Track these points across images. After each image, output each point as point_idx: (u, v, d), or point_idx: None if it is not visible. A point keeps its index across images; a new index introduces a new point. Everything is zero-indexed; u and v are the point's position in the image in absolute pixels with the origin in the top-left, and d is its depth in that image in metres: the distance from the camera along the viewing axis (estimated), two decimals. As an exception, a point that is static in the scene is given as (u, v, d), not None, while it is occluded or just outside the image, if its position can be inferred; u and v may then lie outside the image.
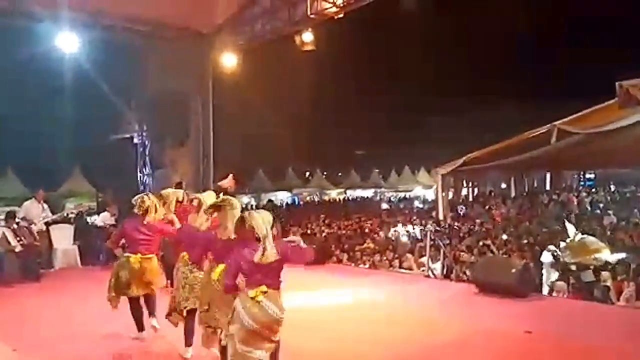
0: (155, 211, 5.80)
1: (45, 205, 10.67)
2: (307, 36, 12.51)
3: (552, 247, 8.97)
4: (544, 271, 8.89)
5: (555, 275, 8.60)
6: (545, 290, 8.47)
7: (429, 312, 6.99)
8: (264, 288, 3.93)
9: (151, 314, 5.81)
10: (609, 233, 11.69)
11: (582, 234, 9.15)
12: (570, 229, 9.10)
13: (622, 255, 8.31)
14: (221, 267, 4.50)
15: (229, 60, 14.06)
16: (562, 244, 8.83)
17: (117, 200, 12.13)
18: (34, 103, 20.66)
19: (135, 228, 5.78)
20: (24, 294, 8.47)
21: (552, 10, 28.87)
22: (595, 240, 8.82)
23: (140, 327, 5.84)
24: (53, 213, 10.94)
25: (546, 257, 8.95)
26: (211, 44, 14.57)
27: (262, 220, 4.03)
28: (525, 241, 11.22)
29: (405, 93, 34.16)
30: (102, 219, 11.23)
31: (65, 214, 11.96)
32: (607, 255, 8.28)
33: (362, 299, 7.81)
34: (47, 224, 10.65)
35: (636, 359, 5.17)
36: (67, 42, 12.19)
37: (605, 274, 7.89)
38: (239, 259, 4.04)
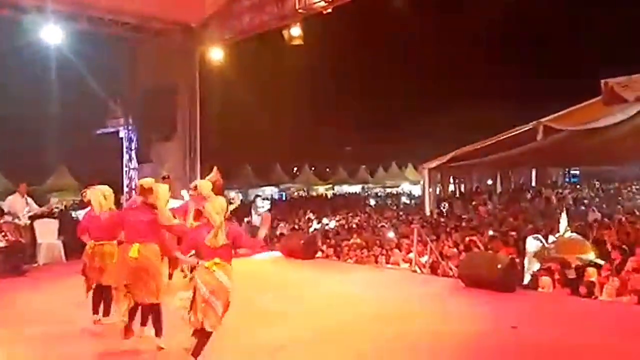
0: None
1: (30, 200, 10.54)
2: (295, 31, 12.45)
3: (538, 236, 9.03)
4: (526, 260, 8.96)
5: (537, 265, 8.67)
6: (527, 279, 8.53)
7: (415, 307, 7.01)
8: (217, 260, 4.62)
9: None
10: (593, 229, 11.81)
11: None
12: (563, 222, 9.17)
13: (601, 262, 8.39)
14: (136, 246, 5.24)
15: (216, 55, 13.96)
16: (551, 237, 8.91)
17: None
18: (19, 97, 20.37)
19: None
20: (7, 289, 8.35)
21: (536, 9, 29.09)
22: (583, 240, 8.91)
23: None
24: (39, 207, 10.80)
25: (530, 246, 9.01)
26: (198, 38, 14.45)
27: (214, 210, 4.66)
28: (511, 236, 11.31)
29: (392, 90, 34.26)
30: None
31: (49, 208, 11.79)
32: (591, 256, 8.38)
33: (348, 294, 7.82)
34: (32, 218, 10.51)
35: (620, 353, 5.22)
36: (52, 35, 12.02)
37: (590, 270, 7.98)
38: (196, 238, 4.77)
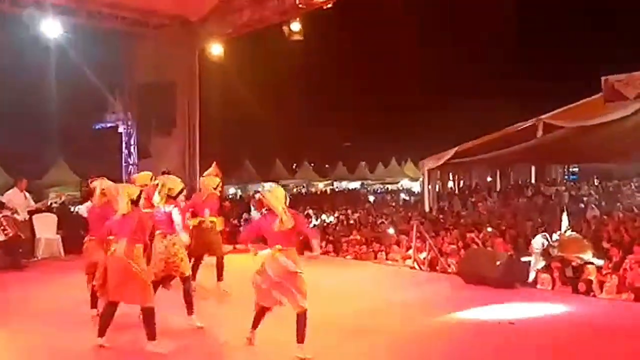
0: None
1: (28, 194, 10.52)
2: (295, 26, 12.44)
3: (545, 234, 9.06)
4: (532, 258, 8.99)
5: (542, 263, 8.69)
6: (532, 276, 8.54)
7: (413, 304, 7.02)
8: (279, 247, 4.94)
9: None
10: (592, 227, 11.82)
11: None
12: (565, 222, 9.20)
13: (600, 262, 8.40)
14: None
15: (216, 49, 13.94)
16: (555, 236, 8.94)
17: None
18: (18, 91, 20.30)
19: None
20: (6, 283, 8.35)
21: (536, 6, 29.05)
22: (582, 240, 8.95)
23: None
24: (37, 202, 10.78)
25: (537, 244, 9.03)
26: (198, 33, 14.42)
27: (274, 198, 5.00)
28: (510, 233, 11.32)
29: (393, 86, 34.16)
30: (87, 209, 11.05)
31: (48, 203, 11.78)
32: (589, 256, 8.40)
33: (347, 290, 7.82)
34: (30, 213, 10.50)
35: (618, 351, 5.23)
36: (51, 29, 11.98)
37: (589, 267, 7.98)
38: (259, 225, 5.25)
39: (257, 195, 5.45)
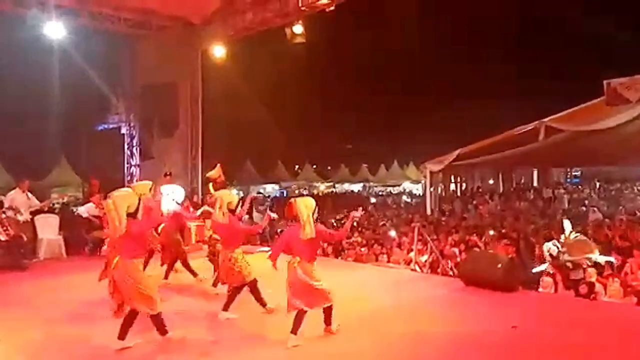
0: None
1: (31, 195, 10.54)
2: (298, 28, 12.44)
3: (555, 242, 9.03)
4: (545, 265, 8.96)
5: (544, 265, 8.65)
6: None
7: (414, 306, 7.01)
8: (298, 259, 5.33)
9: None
10: (594, 230, 11.79)
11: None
12: (567, 226, 9.16)
13: (611, 258, 8.38)
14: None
15: (218, 51, 13.96)
16: (560, 240, 8.90)
17: (103, 190, 11.97)
18: (21, 92, 20.35)
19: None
20: (8, 283, 8.37)
21: (540, 9, 29.05)
22: (587, 240, 8.91)
23: None
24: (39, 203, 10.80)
25: (548, 251, 8.99)
26: (200, 34, 14.45)
27: (304, 206, 5.35)
28: (511, 236, 11.28)
29: (395, 89, 34.21)
30: (87, 210, 11.07)
31: (50, 204, 11.80)
32: (597, 255, 8.37)
33: (348, 292, 7.79)
34: (32, 213, 10.52)
35: (620, 354, 5.22)
36: (54, 30, 12.02)
37: (590, 270, 7.96)
38: (288, 236, 5.56)
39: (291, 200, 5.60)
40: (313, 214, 5.37)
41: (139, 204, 5.30)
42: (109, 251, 6.09)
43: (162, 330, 5.38)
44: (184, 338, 5.60)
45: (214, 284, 7.42)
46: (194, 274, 8.28)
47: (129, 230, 5.11)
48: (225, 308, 6.26)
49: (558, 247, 8.80)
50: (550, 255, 8.73)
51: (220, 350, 5.38)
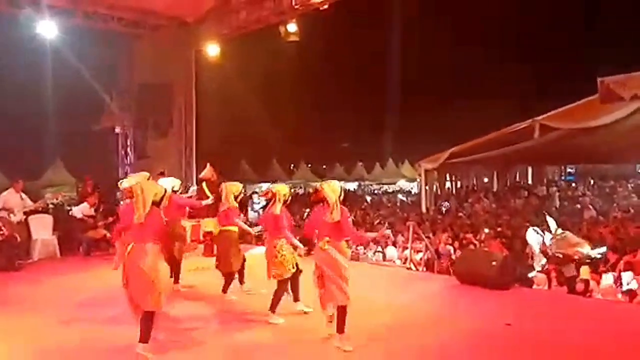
0: None
1: (24, 195, 10.50)
2: (292, 27, 12.43)
3: (537, 229, 9.08)
4: (535, 255, 9.01)
5: (544, 260, 8.70)
6: (533, 274, 8.55)
7: (409, 304, 7.02)
8: (327, 239, 5.39)
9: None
10: (588, 227, 11.84)
11: (563, 229, 9.29)
12: (552, 223, 9.20)
13: (602, 249, 8.43)
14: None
15: (212, 50, 13.93)
16: (548, 235, 8.96)
17: (97, 190, 11.94)
18: (15, 91, 20.26)
19: None
20: (2, 284, 8.33)
21: (535, 8, 29.11)
22: (574, 236, 8.97)
23: None
24: (33, 202, 10.75)
25: (532, 240, 9.04)
26: (195, 33, 14.41)
27: (331, 190, 5.44)
28: (506, 234, 11.32)
29: (390, 87, 34.16)
30: (81, 210, 11.05)
31: (45, 204, 11.75)
32: (587, 249, 8.41)
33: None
34: (26, 214, 10.48)
35: (612, 351, 5.24)
36: (48, 30, 11.97)
37: (584, 268, 8.00)
38: (315, 218, 5.66)
39: (317, 186, 5.69)
40: (339, 197, 5.47)
41: (164, 194, 5.30)
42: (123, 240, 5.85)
43: (145, 332, 4.98)
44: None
45: (224, 290, 7.25)
46: (176, 279, 7.88)
47: (151, 220, 5.03)
48: (273, 309, 6.13)
49: (542, 235, 8.88)
50: (541, 249, 8.81)
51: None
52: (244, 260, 7.47)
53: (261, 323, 6.09)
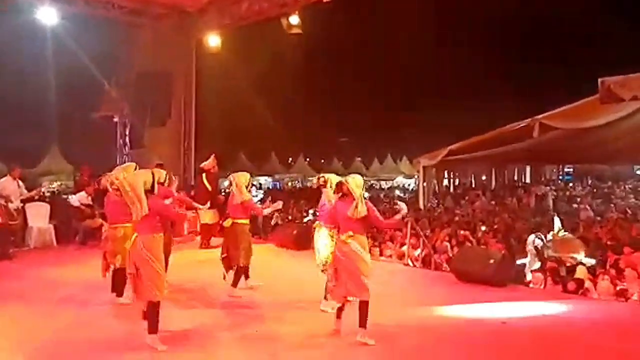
0: None
1: (21, 183, 10.43)
2: (294, 19, 12.36)
3: (540, 234, 9.09)
4: (528, 258, 9.02)
5: (538, 264, 8.72)
6: (529, 277, 8.56)
7: (406, 300, 7.01)
8: (350, 233, 5.27)
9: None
10: (585, 227, 11.85)
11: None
12: (557, 223, 9.22)
13: (593, 261, 8.44)
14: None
15: (213, 41, 13.86)
16: (548, 236, 8.97)
17: (94, 179, 11.88)
18: (13, 79, 20.16)
19: None
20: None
21: (536, 7, 29.05)
22: (575, 239, 8.98)
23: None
24: (30, 191, 10.69)
25: (531, 244, 9.06)
26: (196, 23, 14.33)
27: (355, 185, 5.32)
28: (502, 232, 11.33)
29: (390, 82, 34.14)
30: (78, 199, 10.99)
31: (41, 192, 11.69)
32: (581, 256, 8.44)
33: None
34: (23, 201, 10.41)
35: (607, 349, 5.24)
36: (48, 17, 11.88)
37: (580, 267, 8.01)
38: (336, 211, 5.49)
39: (341, 179, 5.58)
40: (363, 191, 5.42)
41: (153, 179, 5.16)
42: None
43: (153, 323, 5.00)
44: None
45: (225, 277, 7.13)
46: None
47: (151, 208, 4.96)
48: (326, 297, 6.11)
49: (542, 241, 8.89)
50: (535, 248, 8.84)
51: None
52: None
53: (270, 317, 6.08)
